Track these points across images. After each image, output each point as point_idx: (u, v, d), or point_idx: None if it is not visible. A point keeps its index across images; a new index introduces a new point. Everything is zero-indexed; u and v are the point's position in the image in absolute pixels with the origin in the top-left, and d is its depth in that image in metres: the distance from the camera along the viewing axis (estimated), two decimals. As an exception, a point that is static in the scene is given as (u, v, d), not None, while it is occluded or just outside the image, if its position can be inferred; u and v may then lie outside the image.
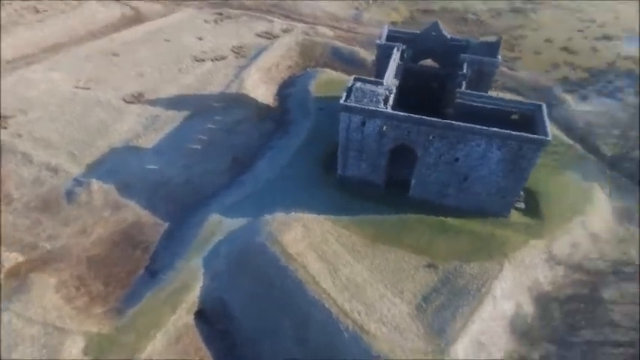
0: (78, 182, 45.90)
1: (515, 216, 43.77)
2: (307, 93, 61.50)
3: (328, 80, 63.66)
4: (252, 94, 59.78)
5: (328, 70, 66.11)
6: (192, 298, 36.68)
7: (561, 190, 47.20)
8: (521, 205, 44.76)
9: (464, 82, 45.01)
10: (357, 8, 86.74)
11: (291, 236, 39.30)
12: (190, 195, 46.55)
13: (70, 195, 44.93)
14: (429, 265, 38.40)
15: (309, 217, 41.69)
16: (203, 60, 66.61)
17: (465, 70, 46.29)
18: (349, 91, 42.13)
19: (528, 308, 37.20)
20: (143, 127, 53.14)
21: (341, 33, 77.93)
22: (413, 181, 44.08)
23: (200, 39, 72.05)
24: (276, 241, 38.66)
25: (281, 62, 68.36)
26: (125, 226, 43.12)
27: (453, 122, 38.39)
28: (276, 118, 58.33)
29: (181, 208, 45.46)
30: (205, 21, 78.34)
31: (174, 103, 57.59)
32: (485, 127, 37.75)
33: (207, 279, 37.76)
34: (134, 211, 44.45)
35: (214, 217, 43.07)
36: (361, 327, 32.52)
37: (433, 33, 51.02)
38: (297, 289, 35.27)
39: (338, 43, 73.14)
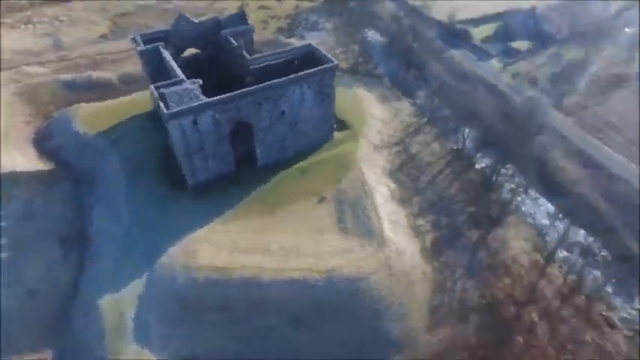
0: None
1: (336, 134, 53.56)
2: (78, 135, 52.83)
3: (90, 113, 55.88)
4: (17, 169, 47.41)
5: (81, 105, 57.60)
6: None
7: (344, 102, 59.60)
8: (334, 125, 54.87)
9: (243, 51, 49.29)
10: (48, 34, 74.86)
11: (209, 254, 37.60)
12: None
13: None
14: (321, 200, 44.26)
15: (201, 233, 40.21)
16: None
17: (235, 42, 50.32)
18: (162, 98, 40.31)
19: (391, 185, 48.49)
20: None
21: (55, 66, 66.91)
22: (257, 150, 47.38)
23: None
24: (201, 268, 36.44)
25: (14, 121, 55.07)
26: None
27: (272, 82, 43.01)
28: (64, 178, 48.76)
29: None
30: None
31: None
32: (295, 75, 44.06)
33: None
34: None
35: (106, 300, 35.98)
36: (318, 270, 36.41)
37: (183, 23, 52.00)
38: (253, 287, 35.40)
39: (64, 76, 63.30)
